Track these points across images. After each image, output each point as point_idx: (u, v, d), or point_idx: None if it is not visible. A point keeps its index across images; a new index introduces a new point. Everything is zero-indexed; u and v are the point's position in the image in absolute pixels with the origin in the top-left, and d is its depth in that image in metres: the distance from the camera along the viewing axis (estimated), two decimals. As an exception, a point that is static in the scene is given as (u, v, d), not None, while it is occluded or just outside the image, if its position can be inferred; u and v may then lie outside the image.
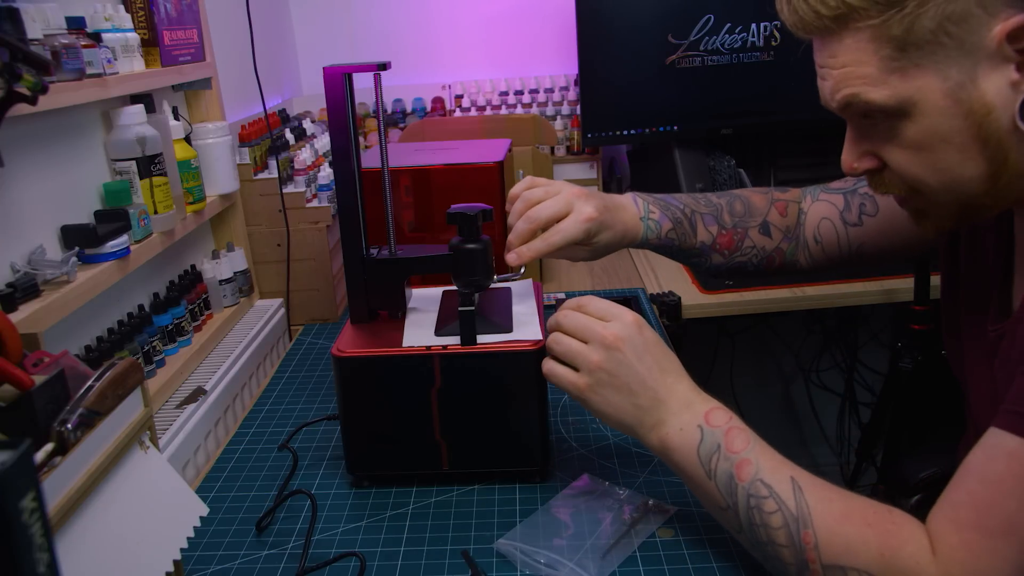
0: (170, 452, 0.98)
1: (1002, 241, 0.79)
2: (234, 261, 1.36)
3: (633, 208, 1.00)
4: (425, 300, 1.01)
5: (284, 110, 1.72)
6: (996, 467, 0.63)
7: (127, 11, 1.10)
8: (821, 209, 1.05)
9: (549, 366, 0.81)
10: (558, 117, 1.95)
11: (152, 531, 0.66)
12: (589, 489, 0.90)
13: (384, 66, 0.89)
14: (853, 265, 1.06)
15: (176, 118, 1.20)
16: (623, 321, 0.79)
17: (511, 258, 0.92)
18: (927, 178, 0.70)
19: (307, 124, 1.74)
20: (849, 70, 0.68)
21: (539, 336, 0.88)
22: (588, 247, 0.95)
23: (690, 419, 0.76)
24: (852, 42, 0.67)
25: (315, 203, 1.47)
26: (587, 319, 0.79)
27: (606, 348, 0.77)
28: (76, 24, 0.96)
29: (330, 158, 1.58)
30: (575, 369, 0.79)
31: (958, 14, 0.63)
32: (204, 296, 1.28)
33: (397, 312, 0.97)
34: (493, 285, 0.96)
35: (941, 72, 0.65)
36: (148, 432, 0.69)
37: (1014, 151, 0.66)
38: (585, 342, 0.79)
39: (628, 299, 1.27)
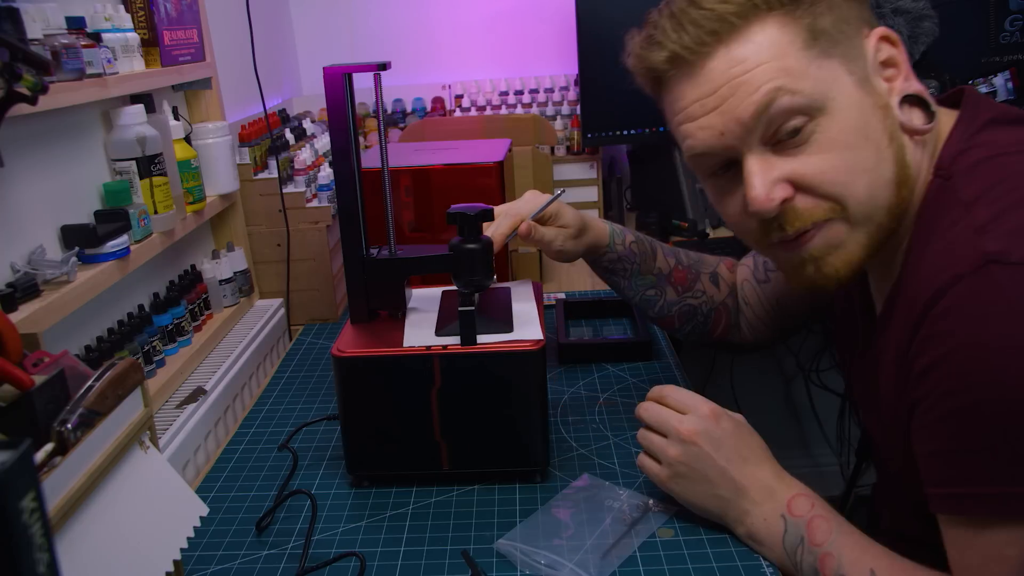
0: (170, 452, 0.98)
1: (865, 296, 0.83)
2: (234, 261, 1.36)
3: (598, 219, 1.06)
4: (425, 300, 1.01)
5: (284, 110, 1.72)
6: (974, 560, 0.63)
7: (127, 11, 1.10)
8: (743, 272, 1.10)
9: (640, 458, 0.85)
10: (558, 117, 1.95)
11: (152, 531, 0.66)
12: (589, 489, 0.90)
13: (384, 66, 0.90)
14: (786, 325, 1.08)
15: (176, 118, 1.20)
16: (699, 414, 0.81)
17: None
18: (849, 181, 0.68)
19: (307, 124, 1.74)
20: (769, 65, 0.67)
21: (539, 336, 0.88)
22: (555, 227, 0.99)
23: (773, 509, 0.77)
24: (763, 38, 0.67)
25: (315, 203, 1.48)
26: (665, 413, 0.82)
27: (683, 442, 0.80)
28: (76, 24, 0.96)
29: (330, 158, 1.58)
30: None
31: (843, 18, 0.69)
32: (204, 296, 1.28)
33: (397, 312, 0.97)
34: (493, 285, 0.96)
35: (846, 64, 0.68)
36: (148, 432, 0.69)
37: (908, 149, 0.70)
38: (664, 435, 0.82)
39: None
